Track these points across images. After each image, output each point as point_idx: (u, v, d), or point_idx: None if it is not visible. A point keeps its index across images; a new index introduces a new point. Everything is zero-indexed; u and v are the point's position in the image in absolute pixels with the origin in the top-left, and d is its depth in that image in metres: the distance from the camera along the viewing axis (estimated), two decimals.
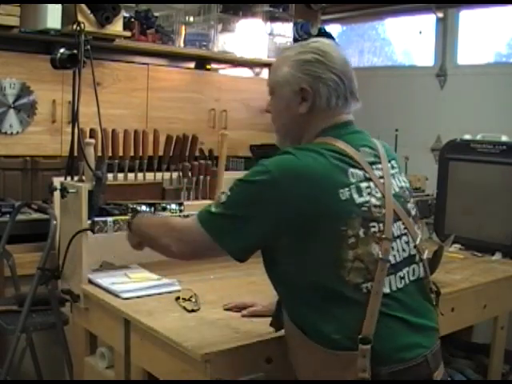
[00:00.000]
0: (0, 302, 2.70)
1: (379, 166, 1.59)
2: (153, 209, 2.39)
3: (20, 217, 2.88)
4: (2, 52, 3.07)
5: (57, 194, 2.38)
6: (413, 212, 1.63)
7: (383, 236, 1.49)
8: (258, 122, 4.09)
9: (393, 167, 1.64)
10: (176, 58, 3.83)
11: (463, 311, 2.43)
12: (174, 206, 2.42)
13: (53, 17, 2.88)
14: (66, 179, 2.41)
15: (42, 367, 2.80)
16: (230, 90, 4.03)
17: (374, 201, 1.51)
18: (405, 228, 1.56)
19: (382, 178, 1.56)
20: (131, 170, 2.45)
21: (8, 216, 2.85)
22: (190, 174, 2.52)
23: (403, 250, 1.55)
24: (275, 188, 1.47)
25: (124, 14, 3.27)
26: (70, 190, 2.23)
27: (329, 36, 4.56)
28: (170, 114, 3.68)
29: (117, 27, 3.17)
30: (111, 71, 3.43)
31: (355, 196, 1.49)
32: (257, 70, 4.40)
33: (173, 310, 1.99)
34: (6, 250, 2.75)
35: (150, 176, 2.49)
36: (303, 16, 4.40)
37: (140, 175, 2.46)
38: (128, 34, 3.32)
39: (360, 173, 1.53)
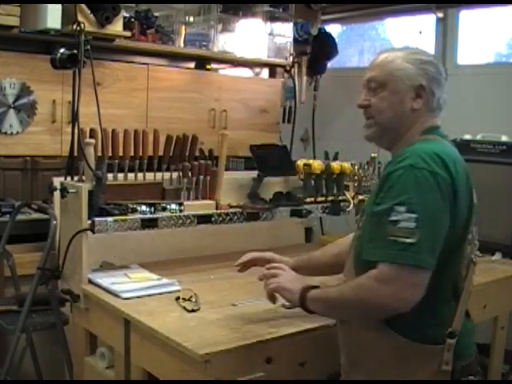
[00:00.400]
0: (0, 301, 2.70)
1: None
2: (153, 209, 2.39)
3: (20, 217, 2.88)
4: (2, 52, 3.07)
5: (57, 194, 2.38)
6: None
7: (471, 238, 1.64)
8: (258, 122, 4.09)
9: None
10: (176, 58, 3.83)
11: None
12: (174, 206, 2.42)
13: (53, 17, 2.88)
14: (66, 179, 2.41)
15: (42, 367, 2.80)
16: (230, 90, 4.02)
17: (477, 205, 1.64)
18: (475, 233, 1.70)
19: None
20: (131, 170, 2.45)
21: (8, 216, 2.85)
22: (190, 173, 2.52)
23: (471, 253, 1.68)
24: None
25: (124, 13, 3.26)
26: (70, 190, 2.23)
27: (329, 36, 4.57)
28: (170, 114, 3.67)
29: (117, 27, 3.17)
30: (111, 71, 3.43)
31: (475, 197, 1.63)
32: (257, 70, 4.40)
33: (173, 310, 1.99)
34: (6, 250, 2.75)
35: (150, 176, 2.49)
36: (303, 16, 4.40)
37: (140, 175, 2.46)
38: (128, 34, 3.32)
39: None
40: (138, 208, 2.38)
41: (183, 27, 3.79)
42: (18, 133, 3.14)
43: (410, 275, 1.45)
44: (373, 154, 3.10)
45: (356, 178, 2.93)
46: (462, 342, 1.57)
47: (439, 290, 1.55)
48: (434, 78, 1.65)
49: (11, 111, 3.11)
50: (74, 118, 2.41)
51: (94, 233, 2.22)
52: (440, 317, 1.56)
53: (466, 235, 1.59)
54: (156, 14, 3.67)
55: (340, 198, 2.86)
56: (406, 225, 1.44)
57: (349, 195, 2.87)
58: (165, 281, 2.23)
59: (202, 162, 2.58)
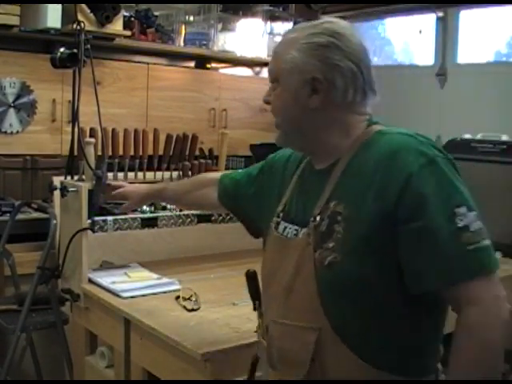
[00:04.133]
0: (0, 301, 2.70)
1: None
2: (153, 208, 2.39)
3: (20, 216, 2.88)
4: (2, 51, 3.07)
5: (57, 193, 2.39)
6: None
7: None
8: (257, 121, 4.09)
9: None
10: (176, 57, 3.83)
11: None
12: (174, 206, 2.42)
13: (53, 16, 2.88)
14: (66, 178, 2.41)
15: (42, 367, 2.80)
16: (229, 89, 4.03)
17: None
18: None
19: None
20: (131, 169, 2.45)
21: (8, 215, 2.85)
22: (190, 173, 2.52)
23: None
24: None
25: (124, 13, 3.27)
26: (70, 190, 2.23)
27: None
28: (170, 113, 3.68)
29: (117, 26, 3.17)
30: (111, 70, 3.43)
31: None
32: (257, 69, 4.40)
33: (173, 309, 1.99)
34: (6, 249, 2.75)
35: (150, 175, 2.49)
36: (303, 15, 4.39)
37: (140, 174, 2.46)
38: (128, 33, 3.33)
39: None
40: (138, 207, 2.39)
41: (183, 26, 3.80)
42: (18, 132, 3.14)
43: (498, 277, 1.22)
44: None
45: None
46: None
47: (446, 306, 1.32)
48: (337, 65, 1.29)
49: (11, 110, 3.11)
50: (74, 118, 2.41)
51: (94, 232, 2.22)
52: (438, 341, 1.34)
53: None
54: (156, 14, 3.67)
55: None
56: (477, 226, 1.19)
57: None
58: (165, 280, 2.23)
59: (202, 161, 2.58)
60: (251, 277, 1.54)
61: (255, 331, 1.51)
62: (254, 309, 1.51)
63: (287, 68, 1.33)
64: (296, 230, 1.34)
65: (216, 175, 1.80)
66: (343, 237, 1.25)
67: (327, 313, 1.26)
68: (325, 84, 1.30)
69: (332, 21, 1.35)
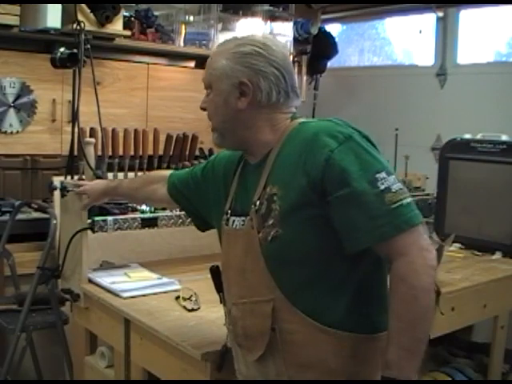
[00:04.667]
0: (0, 301, 2.70)
1: None
2: (153, 208, 2.39)
3: (20, 216, 2.88)
4: (2, 51, 3.07)
5: (57, 193, 2.39)
6: None
7: None
8: None
9: None
10: (176, 57, 3.83)
11: (463, 310, 2.43)
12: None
13: (53, 16, 2.88)
14: (66, 178, 2.41)
15: (42, 366, 2.80)
16: None
17: None
18: None
19: None
20: (131, 169, 2.45)
21: (8, 215, 2.85)
22: None
23: None
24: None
25: (124, 13, 3.26)
26: (70, 189, 2.23)
27: (329, 35, 4.57)
28: (170, 113, 3.67)
29: (117, 26, 3.17)
30: (111, 70, 3.43)
31: None
32: None
33: (173, 309, 1.99)
34: (6, 249, 2.75)
35: None
36: (303, 15, 4.40)
37: (140, 174, 2.46)
38: (128, 33, 3.32)
39: None
40: (138, 207, 2.39)
41: (183, 26, 3.79)
42: (17, 132, 3.14)
43: (424, 231, 1.35)
44: None
45: None
46: None
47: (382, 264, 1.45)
48: (260, 70, 1.46)
49: (11, 110, 3.11)
50: (74, 117, 2.41)
51: (93, 232, 2.22)
52: (382, 297, 1.43)
53: None
54: (156, 13, 3.67)
55: None
56: (398, 186, 1.33)
57: None
58: (165, 280, 2.23)
59: (202, 161, 2.58)
60: (214, 271, 1.68)
61: (224, 324, 1.62)
62: (220, 301, 1.64)
63: (217, 75, 1.50)
64: (243, 220, 1.50)
65: (165, 172, 1.96)
66: (279, 212, 1.41)
67: (278, 283, 1.41)
68: (251, 87, 1.46)
69: (257, 34, 1.57)
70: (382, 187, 1.32)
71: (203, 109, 1.58)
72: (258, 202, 1.46)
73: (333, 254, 1.39)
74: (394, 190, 1.32)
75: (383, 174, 1.34)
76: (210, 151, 2.94)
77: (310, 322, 1.38)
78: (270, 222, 1.42)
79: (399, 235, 1.31)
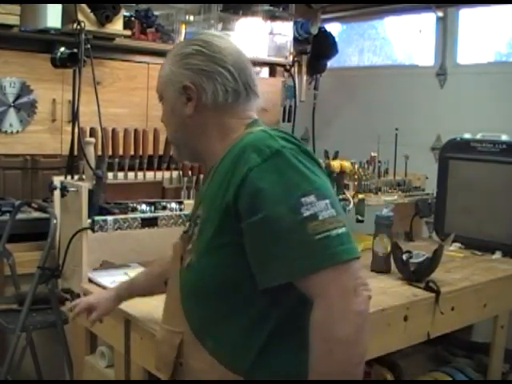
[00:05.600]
0: (0, 300, 2.70)
1: None
2: (153, 207, 2.39)
3: (20, 216, 2.88)
4: (2, 51, 3.07)
5: (57, 192, 2.38)
6: None
7: None
8: None
9: None
10: None
11: (463, 310, 2.43)
12: (174, 205, 2.42)
13: (53, 16, 2.88)
14: (66, 178, 2.41)
15: (42, 366, 2.80)
16: None
17: None
18: None
19: None
20: (131, 168, 2.45)
21: (8, 215, 2.85)
22: (190, 172, 2.52)
23: None
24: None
25: (124, 12, 3.26)
26: (70, 189, 2.23)
27: (329, 35, 4.57)
28: None
29: (117, 26, 3.17)
30: (111, 70, 3.43)
31: None
32: (257, 69, 4.39)
33: None
34: (6, 249, 2.75)
35: (150, 175, 2.49)
36: (303, 15, 4.40)
37: (140, 174, 2.46)
38: (128, 32, 3.32)
39: None
40: (138, 207, 2.39)
41: (183, 26, 3.79)
42: (18, 132, 3.14)
43: (356, 268, 1.13)
44: (373, 153, 3.10)
45: (356, 176, 2.93)
46: None
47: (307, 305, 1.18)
48: (202, 69, 1.32)
49: (11, 110, 3.11)
50: (74, 117, 2.41)
51: (94, 232, 2.22)
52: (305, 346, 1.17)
53: None
54: (156, 13, 3.67)
55: (340, 196, 2.86)
56: (328, 214, 1.12)
57: (349, 194, 2.87)
58: None
59: None
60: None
61: None
62: None
63: (164, 82, 1.42)
64: None
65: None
66: (197, 238, 1.27)
67: (187, 316, 1.28)
68: (194, 89, 1.33)
69: (205, 32, 1.46)
70: (307, 214, 1.11)
71: (163, 121, 1.48)
72: (187, 224, 1.37)
73: (250, 289, 1.19)
74: (321, 218, 1.11)
75: (311, 198, 1.13)
76: None
77: (218, 366, 1.22)
78: (189, 247, 1.30)
79: (318, 272, 1.10)
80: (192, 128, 1.37)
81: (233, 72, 1.33)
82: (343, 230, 1.13)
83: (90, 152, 2.24)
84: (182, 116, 1.37)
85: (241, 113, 1.36)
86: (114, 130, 2.39)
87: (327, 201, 1.14)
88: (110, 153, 2.39)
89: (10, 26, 2.93)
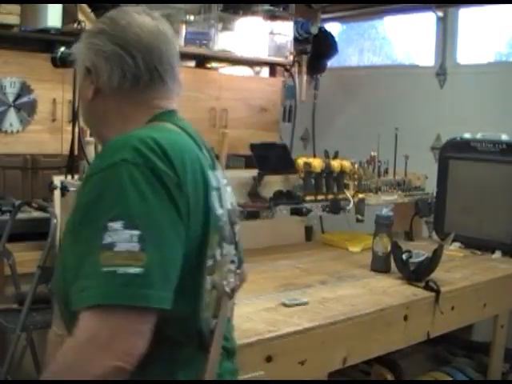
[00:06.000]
0: (0, 300, 2.70)
1: (218, 174, 1.26)
2: None
3: (20, 215, 2.88)
4: (2, 51, 3.07)
5: (57, 192, 2.39)
6: (237, 238, 1.31)
7: (235, 265, 1.21)
8: (258, 121, 4.09)
9: (225, 177, 1.33)
10: None
11: (463, 310, 2.43)
12: None
13: (53, 16, 2.88)
14: (66, 178, 2.41)
15: (42, 366, 2.80)
16: (230, 89, 4.03)
17: (224, 215, 1.20)
18: (234, 255, 1.26)
19: (219, 189, 1.23)
20: None
21: (8, 215, 2.85)
22: None
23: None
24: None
25: None
26: (71, 189, 2.23)
27: (329, 35, 4.57)
28: None
29: None
30: None
31: (216, 205, 1.17)
32: (257, 68, 4.40)
33: None
34: (7, 249, 2.75)
35: None
36: (303, 15, 4.40)
37: None
38: None
39: (213, 177, 1.20)
40: None
41: (183, 26, 3.79)
42: (18, 131, 3.15)
43: (135, 320, 0.96)
44: (373, 153, 3.10)
45: (356, 176, 2.93)
46: None
47: (172, 335, 1.09)
48: (100, 50, 1.19)
49: (11, 110, 3.11)
50: (75, 117, 2.41)
51: None
52: (184, 371, 1.11)
53: (203, 259, 1.12)
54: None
55: (340, 196, 2.86)
56: (127, 247, 0.97)
57: (349, 194, 2.87)
58: None
59: None
60: None
61: None
62: None
63: (76, 59, 1.27)
64: None
65: None
66: (59, 250, 1.16)
67: (63, 318, 1.17)
68: (93, 71, 1.21)
69: (121, 8, 1.27)
70: (106, 241, 0.97)
71: None
72: None
73: None
74: (115, 250, 0.96)
75: (118, 225, 0.98)
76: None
77: None
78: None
79: (84, 310, 0.96)
80: (94, 112, 1.25)
81: (134, 54, 1.18)
82: (138, 270, 0.96)
83: (90, 152, 2.24)
84: (85, 99, 1.24)
85: (145, 101, 1.22)
86: None
87: (136, 232, 0.98)
88: None
89: (11, 26, 2.94)
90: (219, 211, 1.17)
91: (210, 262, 1.13)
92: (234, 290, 1.21)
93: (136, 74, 1.19)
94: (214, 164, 1.28)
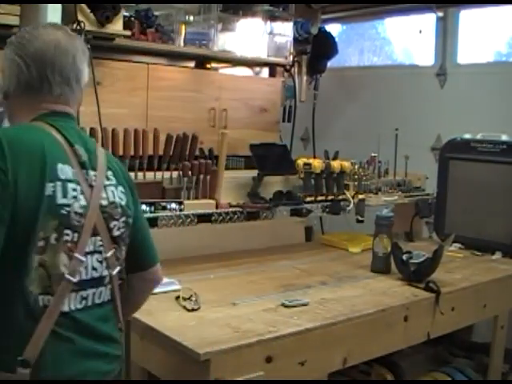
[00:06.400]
0: None
1: (92, 172, 1.42)
2: (153, 208, 2.39)
3: None
4: (2, 51, 3.07)
5: None
6: (116, 232, 1.46)
7: (75, 251, 1.35)
8: (257, 121, 4.09)
9: (108, 178, 1.46)
10: (176, 57, 3.83)
11: (463, 310, 2.43)
12: (174, 206, 2.42)
13: (53, 16, 2.87)
14: None
15: None
16: (230, 89, 4.02)
17: (76, 206, 1.35)
18: (101, 246, 1.42)
19: (91, 186, 1.40)
20: (131, 169, 2.45)
21: None
22: (190, 173, 2.52)
23: (94, 269, 1.40)
24: None
25: (124, 13, 3.26)
26: None
27: (329, 35, 4.57)
28: (170, 113, 3.67)
29: (117, 26, 3.17)
30: (111, 70, 3.43)
31: (59, 195, 1.33)
32: (257, 69, 4.40)
33: (173, 309, 1.99)
34: None
35: (150, 175, 2.49)
36: (303, 15, 4.40)
37: (140, 174, 2.46)
38: (128, 33, 3.32)
39: (69, 171, 1.37)
40: None
41: (183, 26, 3.79)
42: None
43: None
44: (373, 153, 3.10)
45: (356, 176, 2.93)
46: (49, 374, 1.31)
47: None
48: (6, 58, 1.44)
49: None
50: None
51: None
52: (8, 337, 1.30)
53: (31, 239, 1.29)
54: (156, 13, 3.67)
55: (340, 196, 2.87)
56: None
57: (349, 194, 2.87)
58: (165, 280, 2.21)
59: (202, 161, 2.58)
60: None
61: None
62: None
63: None
64: None
65: None
66: None
67: None
68: (2, 77, 1.43)
69: (33, 25, 1.52)
70: None
71: None
72: None
73: None
74: None
75: None
76: (210, 151, 2.94)
77: None
78: None
79: None
80: (8, 110, 1.49)
81: (29, 64, 1.40)
82: None
83: None
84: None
85: (34, 104, 1.43)
86: (113, 130, 2.39)
87: None
88: (110, 153, 2.38)
89: (10, 26, 2.93)
90: (62, 200, 1.33)
91: (40, 243, 1.29)
92: (74, 273, 1.34)
93: (29, 81, 1.41)
94: (90, 162, 1.42)
